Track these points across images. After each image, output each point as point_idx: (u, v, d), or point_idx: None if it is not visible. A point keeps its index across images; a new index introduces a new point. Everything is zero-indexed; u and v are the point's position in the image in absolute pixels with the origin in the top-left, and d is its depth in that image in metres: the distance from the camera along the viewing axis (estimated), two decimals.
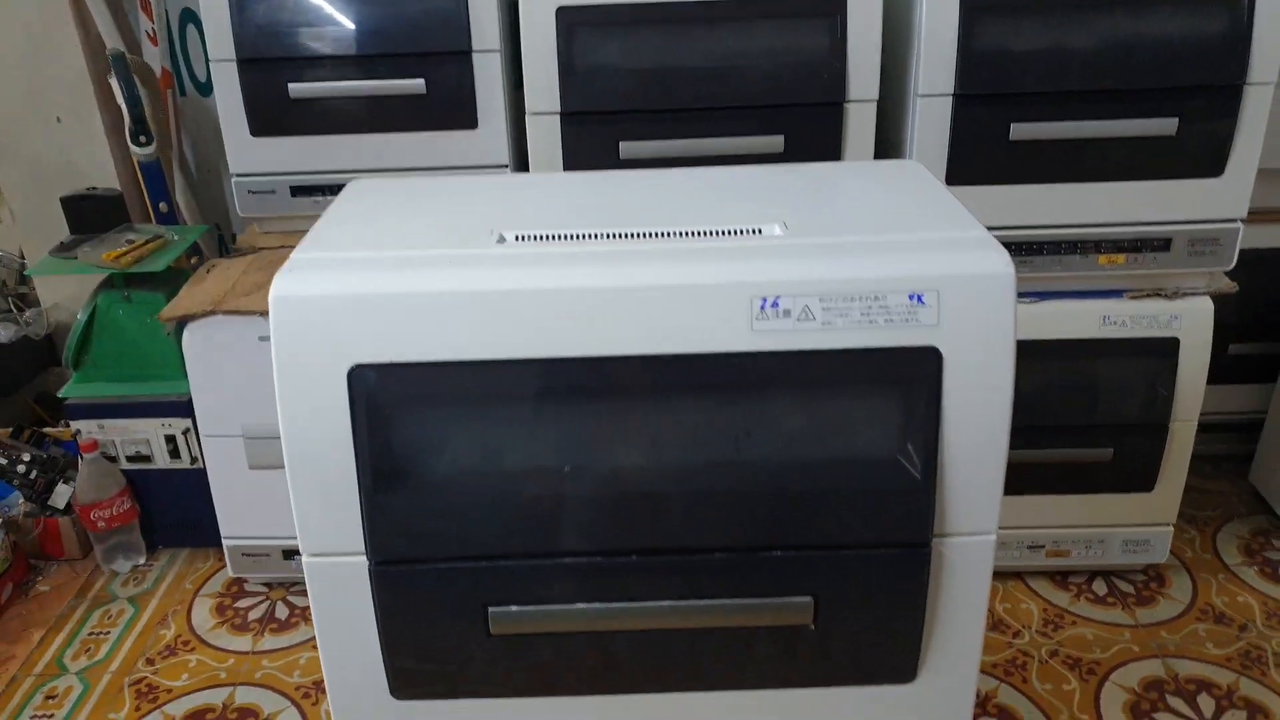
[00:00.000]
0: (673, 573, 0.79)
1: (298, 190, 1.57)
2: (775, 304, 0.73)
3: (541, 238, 0.82)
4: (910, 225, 0.82)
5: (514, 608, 0.80)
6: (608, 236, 0.81)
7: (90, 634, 1.74)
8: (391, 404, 0.75)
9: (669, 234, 0.81)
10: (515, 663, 0.83)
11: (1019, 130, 1.40)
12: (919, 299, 0.73)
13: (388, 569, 0.79)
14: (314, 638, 1.67)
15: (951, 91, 1.38)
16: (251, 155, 1.55)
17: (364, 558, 0.79)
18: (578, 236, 0.81)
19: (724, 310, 0.74)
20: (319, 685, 1.59)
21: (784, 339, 0.74)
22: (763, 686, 0.85)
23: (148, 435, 1.78)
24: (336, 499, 0.77)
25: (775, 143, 1.38)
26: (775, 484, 0.77)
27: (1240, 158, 1.42)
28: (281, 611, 1.78)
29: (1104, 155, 1.42)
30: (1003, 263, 0.73)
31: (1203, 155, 1.42)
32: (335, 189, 1.47)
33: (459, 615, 0.81)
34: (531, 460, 0.78)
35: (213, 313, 1.52)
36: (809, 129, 1.39)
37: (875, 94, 1.40)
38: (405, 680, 0.84)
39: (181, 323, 1.55)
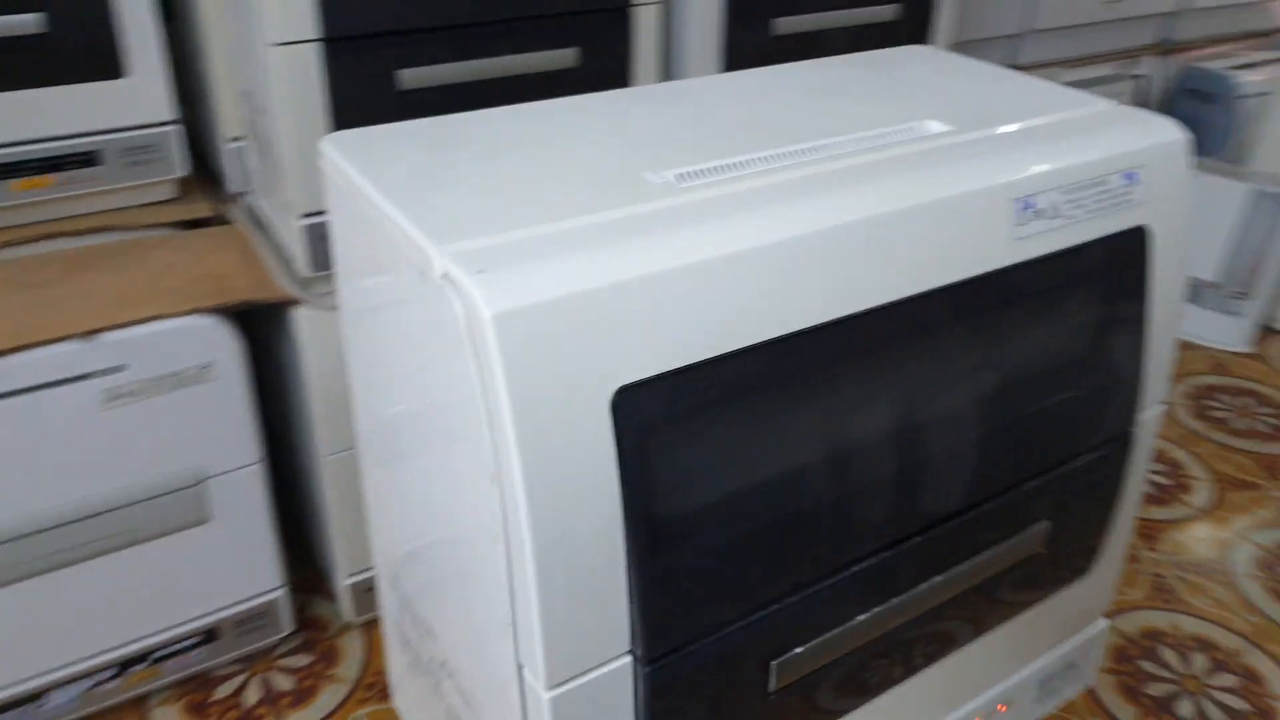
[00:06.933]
0: (940, 543, 0.67)
1: None
2: (1031, 204, 0.64)
3: (705, 172, 0.61)
4: (1043, 108, 0.74)
5: (798, 650, 0.62)
6: (772, 160, 0.63)
7: None
8: (664, 431, 0.52)
9: (834, 146, 0.65)
10: (793, 709, 0.65)
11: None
12: (1133, 177, 0.68)
13: (662, 664, 0.56)
14: None
15: None
16: None
17: (627, 659, 0.55)
18: (738, 165, 0.62)
19: (986, 220, 0.62)
20: None
21: (1039, 243, 0.64)
22: (990, 627, 0.76)
23: None
24: (594, 594, 0.52)
25: (568, 56, 1.19)
26: (1020, 410, 0.68)
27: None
28: None
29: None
30: (1177, 127, 0.71)
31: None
32: None
33: (736, 684, 0.60)
34: (811, 460, 0.60)
35: None
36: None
37: None
38: None
39: None
